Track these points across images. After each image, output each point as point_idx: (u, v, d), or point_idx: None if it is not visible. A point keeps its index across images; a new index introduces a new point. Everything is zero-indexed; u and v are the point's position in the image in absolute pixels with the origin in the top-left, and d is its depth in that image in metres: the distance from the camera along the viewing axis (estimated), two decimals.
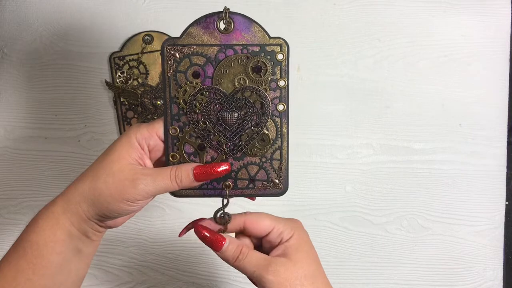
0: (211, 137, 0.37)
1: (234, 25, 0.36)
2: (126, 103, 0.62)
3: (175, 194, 0.38)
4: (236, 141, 0.38)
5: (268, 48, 0.37)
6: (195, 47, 0.36)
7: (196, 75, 0.37)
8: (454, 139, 0.64)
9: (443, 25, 0.64)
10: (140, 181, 0.34)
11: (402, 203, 0.63)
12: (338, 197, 0.63)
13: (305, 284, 0.36)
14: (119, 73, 0.62)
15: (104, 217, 0.36)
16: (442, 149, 0.64)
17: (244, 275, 0.38)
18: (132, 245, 0.63)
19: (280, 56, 0.37)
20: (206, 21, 0.36)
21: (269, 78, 0.37)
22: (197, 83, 0.37)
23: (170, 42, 0.36)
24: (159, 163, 0.39)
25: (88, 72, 0.63)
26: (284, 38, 0.37)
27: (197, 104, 0.37)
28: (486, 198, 0.63)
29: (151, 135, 0.37)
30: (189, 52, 0.36)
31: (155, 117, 0.62)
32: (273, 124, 0.38)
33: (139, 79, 0.62)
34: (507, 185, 0.64)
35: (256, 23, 0.36)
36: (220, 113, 0.37)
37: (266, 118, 0.37)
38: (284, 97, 0.37)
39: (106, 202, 0.34)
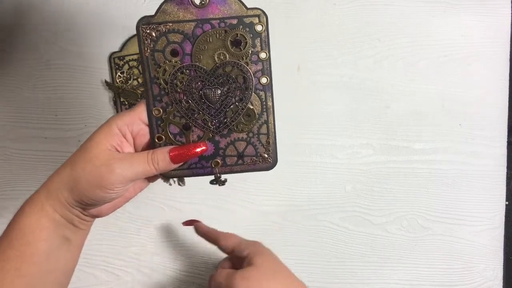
0: (195, 116, 0.37)
1: None
2: (126, 103, 0.62)
3: (165, 175, 0.37)
4: (221, 118, 0.37)
5: (246, 20, 0.35)
6: (170, 24, 0.35)
7: (174, 53, 0.36)
8: (454, 139, 0.64)
9: (443, 25, 0.64)
10: (116, 166, 0.34)
11: (402, 203, 0.63)
12: (338, 197, 0.63)
13: (270, 279, 0.42)
14: (119, 73, 0.62)
15: (84, 205, 0.35)
16: (442, 149, 0.63)
17: None
18: (132, 245, 0.63)
19: (259, 27, 0.36)
20: None
21: (250, 51, 0.36)
22: (176, 62, 0.36)
23: (145, 21, 0.35)
24: (147, 147, 0.38)
25: (88, 72, 0.63)
26: (261, 8, 0.36)
27: (178, 83, 0.36)
28: (486, 198, 0.63)
29: (133, 120, 0.36)
30: (165, 30, 0.35)
31: None
32: (258, 98, 0.37)
33: (139, 79, 0.62)
34: (507, 185, 0.64)
35: None
36: (203, 90, 0.36)
37: (250, 92, 0.36)
38: (266, 70, 0.36)
39: (83, 189, 0.34)
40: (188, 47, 0.36)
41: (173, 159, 0.36)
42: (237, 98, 0.37)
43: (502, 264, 0.64)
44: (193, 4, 0.35)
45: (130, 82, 0.62)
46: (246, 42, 0.36)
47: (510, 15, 0.64)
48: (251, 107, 0.37)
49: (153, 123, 0.37)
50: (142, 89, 0.62)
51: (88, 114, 0.63)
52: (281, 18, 0.64)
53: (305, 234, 0.63)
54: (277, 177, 0.63)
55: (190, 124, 0.37)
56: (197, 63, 0.36)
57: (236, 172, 0.38)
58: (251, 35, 0.36)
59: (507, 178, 0.64)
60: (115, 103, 0.62)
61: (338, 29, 0.64)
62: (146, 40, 0.35)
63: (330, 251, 0.63)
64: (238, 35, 0.35)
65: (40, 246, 0.35)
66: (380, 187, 0.63)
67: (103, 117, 0.63)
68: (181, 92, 0.36)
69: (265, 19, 0.36)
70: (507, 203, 0.64)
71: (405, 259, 0.63)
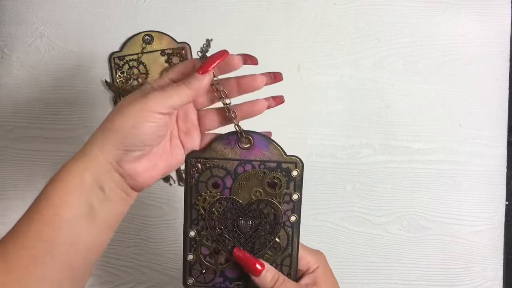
0: (226, 242, 0.39)
1: (254, 143, 0.39)
2: None
3: None
4: (249, 248, 0.40)
5: (284, 165, 0.39)
6: (216, 160, 0.39)
7: (216, 185, 0.39)
8: (454, 139, 0.64)
9: (443, 25, 0.64)
10: (151, 94, 0.35)
11: (402, 203, 0.63)
12: (338, 197, 0.63)
13: None
14: (119, 73, 0.62)
15: (122, 150, 0.35)
16: (442, 149, 0.63)
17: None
18: (132, 245, 0.63)
19: (294, 173, 0.39)
20: (228, 138, 0.39)
21: (283, 192, 0.39)
22: (216, 193, 0.39)
23: (194, 155, 0.39)
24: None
25: (88, 72, 0.63)
26: (299, 156, 0.39)
27: (215, 211, 0.39)
28: (486, 198, 0.63)
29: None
30: (210, 165, 0.39)
31: None
32: (285, 234, 0.40)
33: (139, 79, 0.62)
34: (507, 185, 0.64)
35: (274, 141, 0.39)
36: (236, 221, 0.39)
37: (279, 228, 0.39)
38: (296, 209, 0.39)
39: (118, 126, 0.36)
40: (228, 182, 0.39)
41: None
42: (266, 232, 0.40)
43: (502, 264, 0.64)
44: (239, 146, 0.39)
45: (130, 82, 0.62)
46: (281, 185, 0.39)
47: (510, 15, 0.64)
48: (278, 240, 0.40)
49: (187, 243, 0.40)
50: None
51: (88, 114, 0.63)
52: (281, 18, 0.64)
53: (305, 234, 0.62)
54: None
55: (220, 248, 0.40)
56: (234, 197, 0.39)
57: None
58: (287, 179, 0.39)
59: (507, 178, 0.64)
60: (115, 103, 0.62)
61: (338, 29, 0.64)
62: (192, 170, 0.39)
63: (330, 251, 0.63)
64: (275, 177, 0.39)
65: (63, 211, 0.34)
66: (380, 187, 0.63)
67: (103, 117, 0.63)
68: (216, 220, 0.39)
69: (301, 166, 0.39)
70: (507, 203, 0.64)
71: (405, 259, 0.63)
